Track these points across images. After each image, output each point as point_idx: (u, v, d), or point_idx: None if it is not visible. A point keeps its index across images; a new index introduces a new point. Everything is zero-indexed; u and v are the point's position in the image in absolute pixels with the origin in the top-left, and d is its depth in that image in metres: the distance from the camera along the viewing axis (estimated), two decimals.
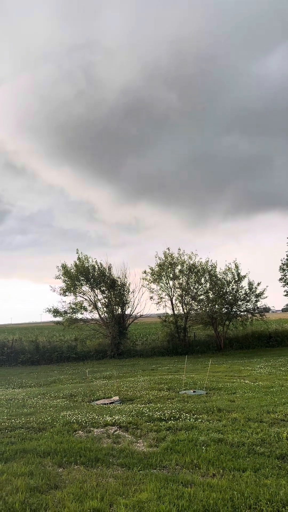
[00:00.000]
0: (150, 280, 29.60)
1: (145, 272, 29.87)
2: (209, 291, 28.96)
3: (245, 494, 4.55)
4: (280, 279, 35.48)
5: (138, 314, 29.48)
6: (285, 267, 34.69)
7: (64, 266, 28.79)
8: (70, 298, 29.12)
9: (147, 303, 30.79)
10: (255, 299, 28.98)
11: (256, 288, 28.86)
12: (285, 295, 34.83)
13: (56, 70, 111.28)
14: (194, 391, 11.25)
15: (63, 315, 28.70)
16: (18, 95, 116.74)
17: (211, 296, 28.60)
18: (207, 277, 29.16)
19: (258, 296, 28.89)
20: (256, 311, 29.28)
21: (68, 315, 28.67)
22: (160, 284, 29.61)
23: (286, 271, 34.62)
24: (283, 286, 35.01)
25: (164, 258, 29.60)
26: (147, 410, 8.66)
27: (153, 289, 29.61)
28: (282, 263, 35.22)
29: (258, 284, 28.92)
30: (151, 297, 29.59)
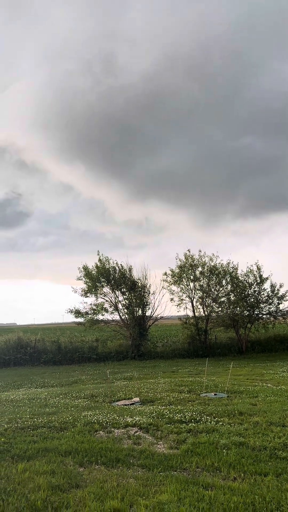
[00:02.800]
0: (170, 281, 29.54)
1: (165, 273, 29.83)
2: (230, 293, 28.66)
3: (267, 498, 4.49)
4: None
5: (159, 315, 29.43)
6: None
7: (85, 268, 29.06)
8: (91, 299, 29.30)
9: (168, 305, 30.66)
10: (277, 301, 28.51)
11: (278, 290, 28.41)
12: None
13: (74, 62, 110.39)
14: (215, 394, 11.16)
15: (85, 316, 28.96)
16: (34, 90, 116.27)
17: (232, 299, 28.29)
18: (228, 279, 28.88)
19: (280, 298, 28.42)
20: (279, 314, 28.79)
21: (89, 316, 28.91)
22: (181, 285, 29.48)
23: None
24: None
25: (184, 260, 29.49)
26: (168, 412, 8.65)
27: (173, 290, 29.54)
28: None
29: (281, 286, 28.47)
30: (172, 299, 29.52)
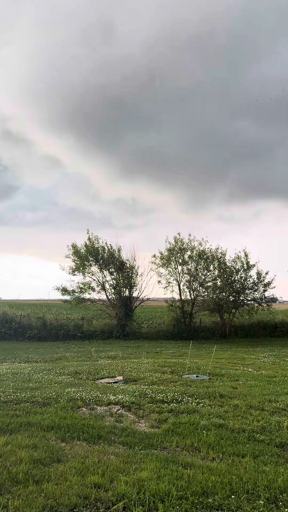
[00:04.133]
0: (159, 264, 29.63)
1: (154, 256, 29.90)
2: (217, 278, 28.94)
3: (244, 479, 4.63)
4: None
5: (145, 297, 29.61)
6: None
7: (74, 246, 28.92)
8: (78, 278, 29.23)
9: (155, 287, 30.90)
10: (263, 288, 28.92)
11: (264, 277, 28.77)
12: None
13: (71, 29, 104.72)
14: (197, 376, 11.36)
15: (71, 294, 28.98)
16: (25, 56, 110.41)
17: (219, 284, 28.58)
18: (216, 264, 29.09)
19: (266, 285, 28.81)
20: (263, 300, 29.24)
21: (76, 294, 28.94)
22: (169, 268, 29.65)
23: None
24: None
25: (174, 243, 29.55)
26: (150, 392, 8.79)
27: (161, 273, 29.69)
28: None
29: (267, 273, 28.83)
30: (159, 281, 29.69)
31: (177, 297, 29.96)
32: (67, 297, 29.38)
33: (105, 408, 7.66)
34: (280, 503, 4.14)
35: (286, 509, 4.01)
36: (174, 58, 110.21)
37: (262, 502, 4.12)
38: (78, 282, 29.09)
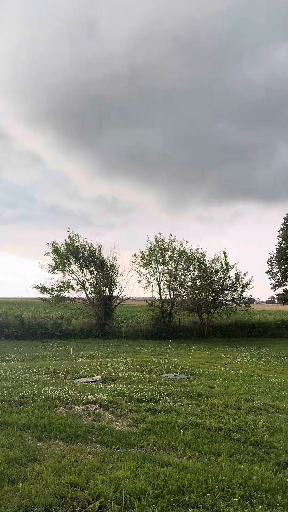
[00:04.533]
0: (139, 263, 29.69)
1: (135, 255, 29.93)
2: (197, 278, 29.17)
3: (219, 477, 4.69)
4: (268, 271, 35.83)
5: (125, 296, 29.58)
6: (273, 260, 35.02)
7: (54, 244, 28.62)
8: (58, 276, 28.98)
9: (135, 286, 30.99)
10: (241, 289, 29.32)
11: (243, 278, 29.17)
12: (271, 288, 35.28)
13: (54, 24, 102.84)
14: (175, 375, 11.43)
15: (50, 293, 28.68)
16: (7, 49, 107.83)
17: (198, 284, 28.82)
18: (196, 265, 29.33)
19: (244, 286, 29.22)
20: (241, 301, 29.65)
21: (56, 292, 28.65)
22: (149, 268, 29.74)
23: (274, 264, 34.98)
24: (270, 279, 35.43)
25: (155, 243, 29.64)
26: (128, 391, 8.80)
27: (141, 272, 29.76)
28: (270, 256, 35.50)
29: (245, 274, 29.25)
30: (139, 281, 29.74)
31: (157, 296, 30.12)
32: (46, 296, 29.06)
33: (82, 407, 7.62)
34: (254, 500, 4.22)
35: (260, 506, 4.09)
36: (158, 57, 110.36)
37: (237, 499, 4.19)
38: (57, 281, 28.86)
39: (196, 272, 29.36)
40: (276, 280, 35.27)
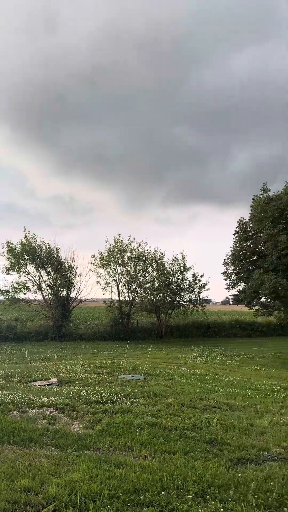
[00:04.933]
0: (98, 264, 29.48)
1: (94, 256, 29.68)
2: (155, 279, 29.42)
3: (174, 475, 4.77)
4: (223, 272, 36.78)
5: (84, 297, 29.30)
6: (228, 261, 36.03)
7: (9, 244, 27.80)
8: (13, 277, 28.13)
9: (93, 288, 30.84)
10: (198, 290, 29.91)
11: (199, 279, 29.78)
12: (226, 288, 36.24)
13: (11, 14, 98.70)
14: (132, 376, 11.47)
15: (5, 294, 27.82)
16: None
17: (156, 285, 29.09)
18: (154, 266, 29.59)
19: (201, 287, 29.84)
20: (198, 302, 30.25)
21: (10, 294, 27.84)
22: (108, 269, 29.60)
23: (229, 265, 35.98)
24: (225, 280, 36.37)
25: (114, 244, 29.57)
26: (85, 393, 8.72)
27: (100, 274, 29.57)
28: (226, 257, 36.49)
29: (202, 275, 29.86)
30: (98, 282, 29.58)
31: (115, 297, 30.05)
32: None
33: (37, 410, 7.47)
34: (208, 497, 4.33)
35: (213, 502, 4.19)
36: (119, 57, 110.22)
37: (190, 496, 4.28)
38: (12, 282, 28.09)
39: (154, 274, 29.63)
40: (231, 281, 36.28)
